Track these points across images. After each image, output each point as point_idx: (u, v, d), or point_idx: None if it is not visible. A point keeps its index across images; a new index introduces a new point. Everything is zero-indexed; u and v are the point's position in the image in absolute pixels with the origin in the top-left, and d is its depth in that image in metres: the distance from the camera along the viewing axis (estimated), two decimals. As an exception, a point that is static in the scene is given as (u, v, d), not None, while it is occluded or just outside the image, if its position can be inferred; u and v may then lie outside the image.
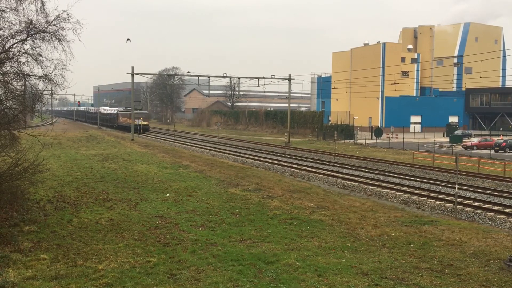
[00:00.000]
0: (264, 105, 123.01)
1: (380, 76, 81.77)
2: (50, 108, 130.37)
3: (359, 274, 11.48)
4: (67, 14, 16.19)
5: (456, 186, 20.54)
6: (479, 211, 20.67)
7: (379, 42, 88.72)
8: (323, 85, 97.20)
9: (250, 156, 42.65)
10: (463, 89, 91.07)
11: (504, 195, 24.44)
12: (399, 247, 13.96)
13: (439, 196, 23.70)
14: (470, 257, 13.05)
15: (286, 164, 36.99)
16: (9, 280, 10.57)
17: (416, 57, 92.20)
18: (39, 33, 16.21)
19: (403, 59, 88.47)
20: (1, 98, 16.06)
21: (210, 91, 78.88)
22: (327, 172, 32.34)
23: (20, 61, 16.38)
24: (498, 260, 12.69)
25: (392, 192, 25.04)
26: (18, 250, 12.75)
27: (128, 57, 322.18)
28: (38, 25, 16.19)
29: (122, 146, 46.92)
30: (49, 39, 16.34)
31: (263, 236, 14.86)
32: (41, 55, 16.44)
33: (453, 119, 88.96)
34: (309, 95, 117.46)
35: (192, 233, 15.08)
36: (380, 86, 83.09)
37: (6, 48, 16.01)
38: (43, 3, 15.95)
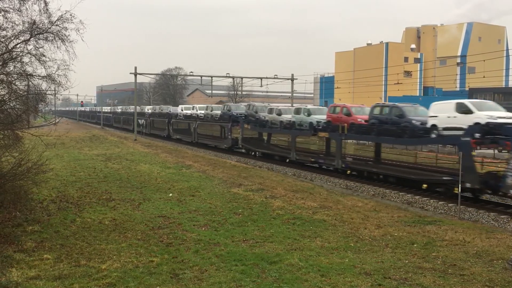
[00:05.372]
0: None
1: (383, 76, 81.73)
2: (53, 108, 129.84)
3: (362, 274, 11.46)
4: (70, 14, 16.19)
5: (459, 186, 20.46)
6: (482, 211, 20.61)
7: (382, 42, 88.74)
8: (326, 85, 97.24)
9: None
10: (466, 88, 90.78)
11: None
12: (402, 247, 13.93)
13: (442, 196, 23.63)
14: (473, 257, 13.02)
15: (288, 164, 36.92)
16: (12, 280, 10.60)
17: (419, 56, 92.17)
18: (42, 34, 16.22)
19: (406, 59, 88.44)
20: (4, 98, 16.10)
21: (213, 91, 78.62)
22: (330, 172, 32.28)
23: (23, 62, 16.41)
24: (501, 260, 12.65)
25: (395, 192, 24.99)
26: (21, 250, 12.76)
27: (131, 57, 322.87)
28: (41, 25, 16.19)
29: (125, 146, 46.96)
30: (52, 39, 16.35)
31: (266, 236, 14.85)
32: (44, 55, 16.46)
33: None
34: (312, 95, 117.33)
35: (195, 233, 15.08)
36: (383, 86, 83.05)
37: (10, 48, 16.04)
38: (46, 4, 15.97)
